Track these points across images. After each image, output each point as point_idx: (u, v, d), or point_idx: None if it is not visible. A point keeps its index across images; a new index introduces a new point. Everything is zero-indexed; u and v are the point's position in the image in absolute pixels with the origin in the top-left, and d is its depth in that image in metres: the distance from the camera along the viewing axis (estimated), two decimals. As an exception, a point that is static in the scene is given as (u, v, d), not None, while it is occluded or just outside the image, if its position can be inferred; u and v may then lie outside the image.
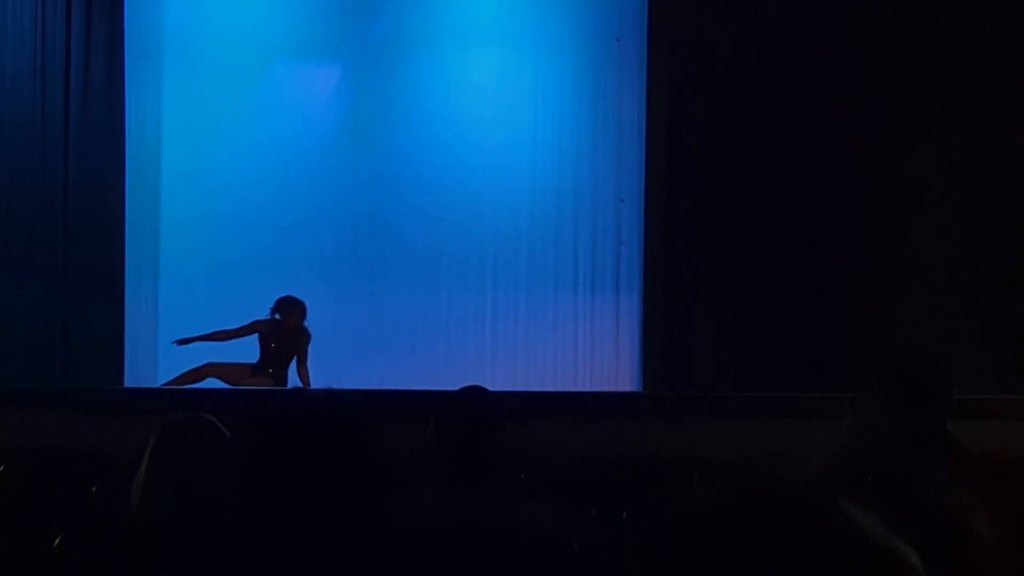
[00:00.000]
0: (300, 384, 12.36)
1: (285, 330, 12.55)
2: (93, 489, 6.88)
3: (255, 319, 12.66)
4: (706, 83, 13.54)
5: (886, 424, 5.13)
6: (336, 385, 3.11)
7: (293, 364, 12.59)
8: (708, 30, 13.54)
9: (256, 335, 12.65)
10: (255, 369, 12.55)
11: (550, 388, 13.35)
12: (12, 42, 13.46)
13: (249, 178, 13.89)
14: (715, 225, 13.53)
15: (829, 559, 1.60)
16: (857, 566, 1.60)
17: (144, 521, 4.27)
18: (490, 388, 5.24)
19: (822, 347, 13.20)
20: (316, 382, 12.11)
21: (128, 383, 13.31)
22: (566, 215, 14.24)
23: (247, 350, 12.64)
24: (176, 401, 11.06)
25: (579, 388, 13.70)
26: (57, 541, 4.93)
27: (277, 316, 12.59)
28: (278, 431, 2.82)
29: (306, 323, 12.67)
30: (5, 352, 12.95)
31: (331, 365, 13.23)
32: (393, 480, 3.03)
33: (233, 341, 12.61)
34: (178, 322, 13.66)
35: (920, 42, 13.47)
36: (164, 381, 12.85)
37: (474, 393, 5.13)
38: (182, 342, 12.56)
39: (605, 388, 13.72)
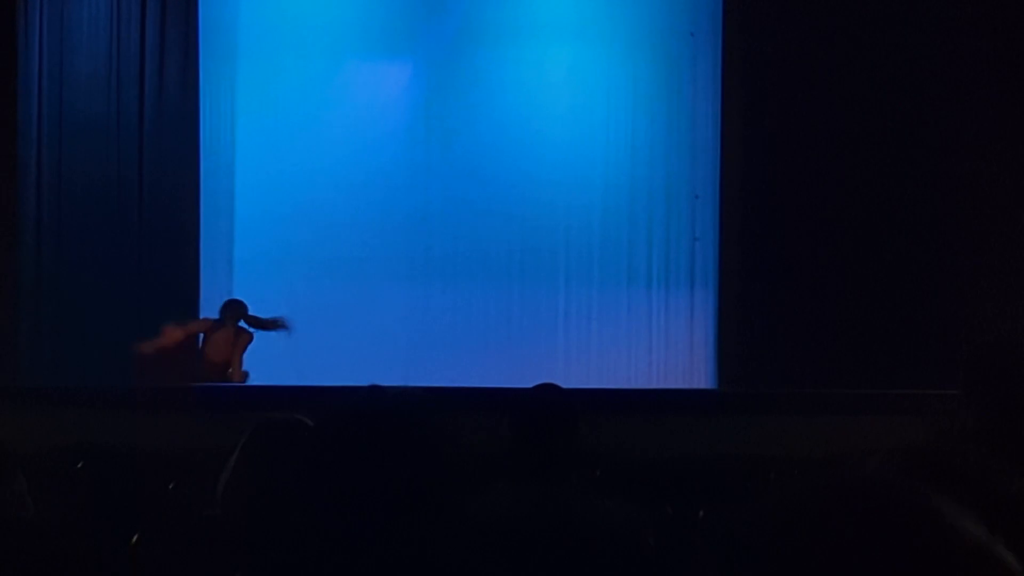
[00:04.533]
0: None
1: (221, 333, 12.57)
2: (170, 487, 6.91)
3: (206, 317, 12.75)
4: (781, 77, 13.46)
5: (971, 421, 5.05)
6: (408, 383, 3.10)
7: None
8: (783, 23, 13.45)
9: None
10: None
11: (624, 385, 13.30)
12: (88, 42, 13.56)
13: (322, 176, 13.92)
14: (790, 220, 13.44)
15: (925, 561, 1.56)
16: (956, 569, 1.56)
17: (227, 519, 4.27)
18: (563, 385, 5.22)
19: (899, 343, 13.09)
20: (391, 380, 12.09)
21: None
22: (640, 211, 14.18)
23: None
24: (253, 399, 11.11)
25: (653, 385, 13.65)
26: (134, 539, 4.94)
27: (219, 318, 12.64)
28: (354, 428, 2.82)
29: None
30: (81, 351, 13.03)
31: (403, 362, 13.26)
32: (468, 477, 3.02)
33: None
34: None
35: (992, 37, 13.33)
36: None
37: (548, 390, 5.11)
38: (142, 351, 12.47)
39: (679, 385, 13.65)
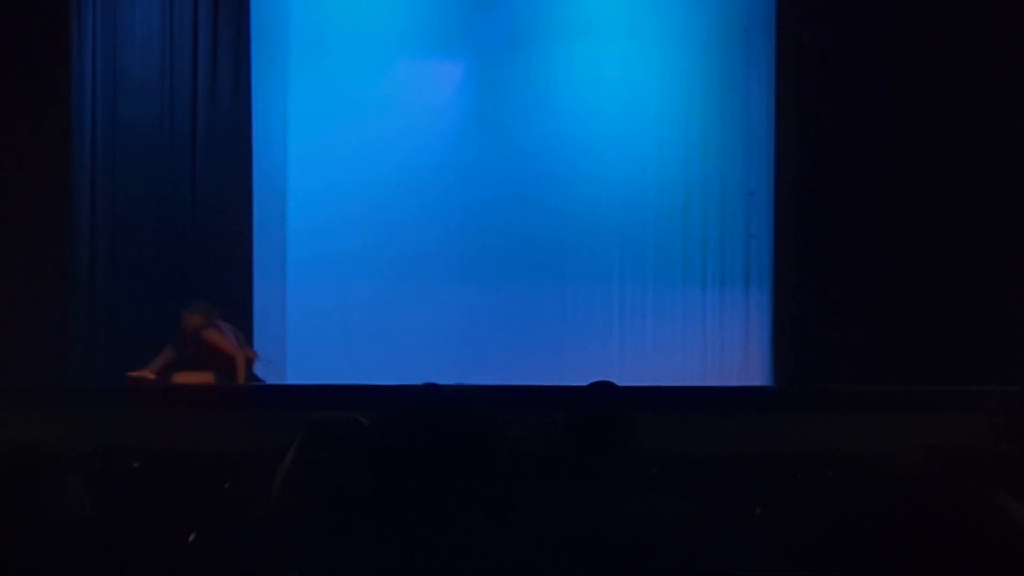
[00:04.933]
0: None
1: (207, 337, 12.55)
2: (225, 486, 6.92)
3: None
4: (836, 72, 13.40)
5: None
6: (463, 381, 3.09)
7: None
8: (838, 17, 13.39)
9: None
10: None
11: (679, 383, 13.25)
12: (140, 45, 13.62)
13: (375, 175, 13.93)
14: (846, 216, 13.38)
15: (989, 557, 1.53)
16: (1021, 565, 1.53)
17: (283, 517, 4.28)
18: (618, 383, 5.20)
19: (956, 341, 13.00)
20: (446, 378, 12.08)
21: (258, 380, 13.42)
22: (694, 208, 14.13)
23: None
24: (308, 398, 11.12)
25: (708, 383, 13.60)
26: (191, 539, 4.95)
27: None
28: (411, 427, 2.81)
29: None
30: (137, 353, 13.09)
31: (458, 361, 13.26)
32: (523, 476, 3.01)
33: None
34: (306, 320, 13.77)
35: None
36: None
37: (603, 388, 5.10)
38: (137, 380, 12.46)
39: (735, 383, 13.60)
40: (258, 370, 12.69)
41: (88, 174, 13.40)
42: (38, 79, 12.98)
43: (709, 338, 14.07)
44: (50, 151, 13.03)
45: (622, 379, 5.79)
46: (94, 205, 13.42)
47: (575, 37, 14.14)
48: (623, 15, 14.16)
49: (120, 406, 11.22)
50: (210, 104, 13.68)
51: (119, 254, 13.42)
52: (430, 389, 2.95)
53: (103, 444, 8.33)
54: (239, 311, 13.44)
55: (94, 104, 13.44)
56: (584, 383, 5.13)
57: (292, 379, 13.54)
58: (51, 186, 13.07)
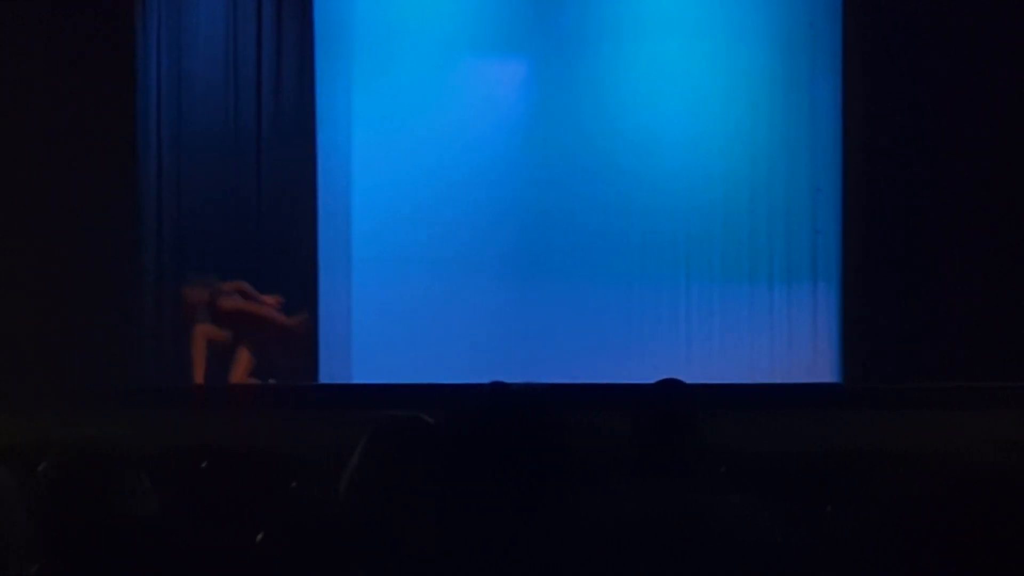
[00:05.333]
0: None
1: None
2: (292, 485, 6.93)
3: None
4: (904, 65, 13.29)
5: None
6: (529, 380, 3.07)
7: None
8: (907, 13, 13.28)
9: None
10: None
11: (747, 381, 13.19)
12: (204, 45, 13.68)
13: (439, 173, 13.94)
14: (915, 212, 13.28)
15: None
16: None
17: (349, 517, 4.27)
18: (686, 381, 5.18)
19: (1027, 335, 12.90)
20: (512, 377, 12.08)
21: (323, 379, 13.44)
22: (760, 205, 14.05)
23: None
24: (373, 397, 11.14)
25: (777, 380, 13.52)
26: (258, 538, 4.95)
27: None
28: (479, 426, 2.79)
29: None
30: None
31: (524, 359, 13.25)
32: (592, 475, 2.99)
33: None
34: (371, 318, 13.79)
35: None
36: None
37: (671, 386, 5.08)
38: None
39: (804, 380, 13.52)
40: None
41: (154, 175, 13.45)
42: (103, 82, 13.04)
43: (777, 335, 13.99)
44: (116, 154, 13.09)
45: (689, 377, 5.76)
46: (160, 206, 13.48)
47: (639, 34, 14.10)
48: (687, 12, 14.11)
49: (188, 406, 11.29)
50: (274, 104, 13.72)
51: (185, 255, 13.48)
52: (497, 388, 2.93)
53: (171, 444, 8.36)
54: (304, 309, 13.48)
55: (159, 105, 13.50)
56: (651, 381, 5.10)
57: (358, 378, 13.57)
58: (117, 189, 13.13)
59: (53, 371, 12.23)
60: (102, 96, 12.99)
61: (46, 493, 4.07)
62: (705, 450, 4.91)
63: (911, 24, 13.31)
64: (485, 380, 3.02)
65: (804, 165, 14.00)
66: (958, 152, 13.24)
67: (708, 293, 14.04)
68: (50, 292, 12.51)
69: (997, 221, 13.19)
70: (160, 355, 13.36)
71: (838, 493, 6.55)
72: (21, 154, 12.63)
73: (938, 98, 13.27)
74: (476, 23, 14.15)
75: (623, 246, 14.01)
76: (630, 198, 13.94)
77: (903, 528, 1.54)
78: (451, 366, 12.70)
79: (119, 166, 13.14)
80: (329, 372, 13.60)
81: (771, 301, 14.02)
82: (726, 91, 14.06)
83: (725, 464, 7.19)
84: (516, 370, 12.32)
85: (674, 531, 4.44)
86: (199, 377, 12.46)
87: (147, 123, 13.42)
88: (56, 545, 3.87)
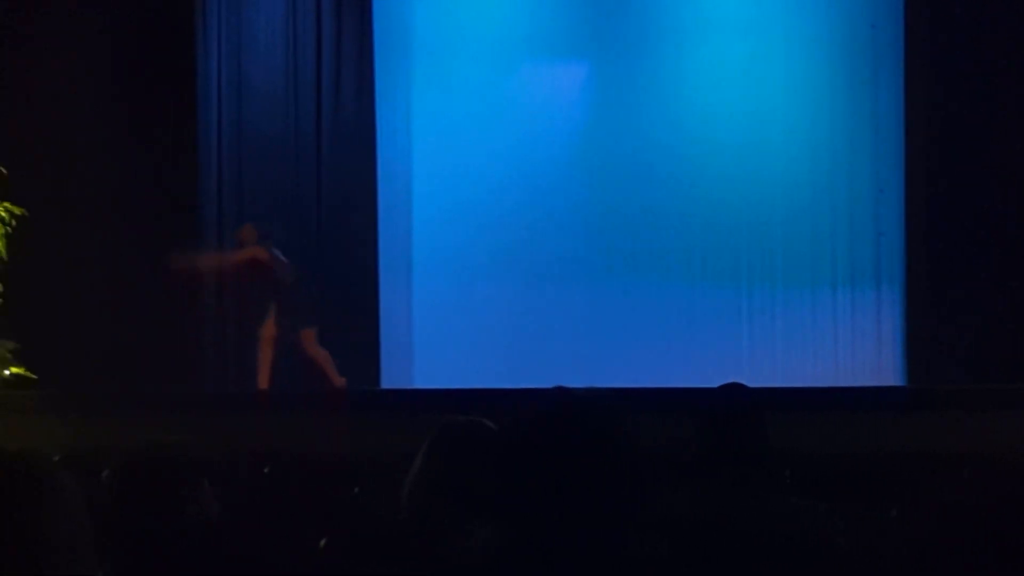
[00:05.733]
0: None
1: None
2: (355, 491, 6.93)
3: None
4: (966, 66, 13.21)
5: None
6: (592, 384, 3.06)
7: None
8: (968, 13, 13.19)
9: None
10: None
11: (810, 384, 13.13)
12: (264, 52, 13.74)
13: (499, 177, 13.95)
14: (978, 212, 13.20)
15: None
16: None
17: (412, 522, 4.27)
18: (748, 385, 5.15)
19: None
20: (574, 381, 12.04)
21: (385, 385, 13.46)
22: (822, 207, 13.99)
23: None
24: (435, 402, 11.14)
25: (841, 383, 13.45)
26: (321, 543, 4.95)
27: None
28: (542, 430, 2.79)
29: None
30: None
31: (586, 363, 13.22)
32: (655, 479, 2.98)
33: None
34: (432, 323, 13.81)
35: None
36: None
37: (734, 390, 5.05)
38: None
39: (868, 383, 13.44)
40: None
41: (214, 182, 13.53)
42: (164, 89, 13.14)
43: (840, 338, 13.92)
44: (177, 160, 13.19)
45: (752, 380, 5.72)
46: (220, 212, 13.55)
47: (700, 37, 14.07)
48: (748, 14, 14.06)
49: (251, 411, 11.33)
50: (334, 109, 13.77)
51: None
52: (559, 392, 2.92)
53: (234, 449, 8.39)
54: (365, 315, 13.51)
55: (219, 112, 13.58)
56: (714, 385, 5.07)
57: (419, 383, 13.59)
58: (179, 195, 13.22)
59: (118, 377, 12.31)
60: (163, 105, 13.07)
61: (110, 498, 4.09)
62: (769, 454, 4.88)
63: (973, 25, 13.22)
64: (547, 385, 3.01)
65: (867, 167, 13.92)
66: (1021, 152, 13.14)
67: (770, 296, 13.98)
68: (115, 299, 12.60)
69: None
70: (223, 361, 13.42)
71: (903, 496, 6.51)
72: (85, 164, 12.72)
73: (1000, 98, 13.18)
74: (536, 27, 14.15)
75: (685, 249, 13.98)
76: (691, 202, 13.91)
77: (968, 532, 1.52)
78: (513, 370, 12.69)
79: (181, 173, 13.24)
80: (391, 377, 13.63)
81: (834, 304, 13.95)
82: (788, 94, 14.00)
83: (789, 468, 7.16)
84: (578, 374, 12.29)
85: (738, 535, 4.42)
86: (263, 383, 12.50)
87: (208, 129, 13.50)
88: (120, 550, 3.89)
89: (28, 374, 11.31)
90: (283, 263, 12.40)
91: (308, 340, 12.60)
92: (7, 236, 11.41)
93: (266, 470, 7.77)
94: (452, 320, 13.84)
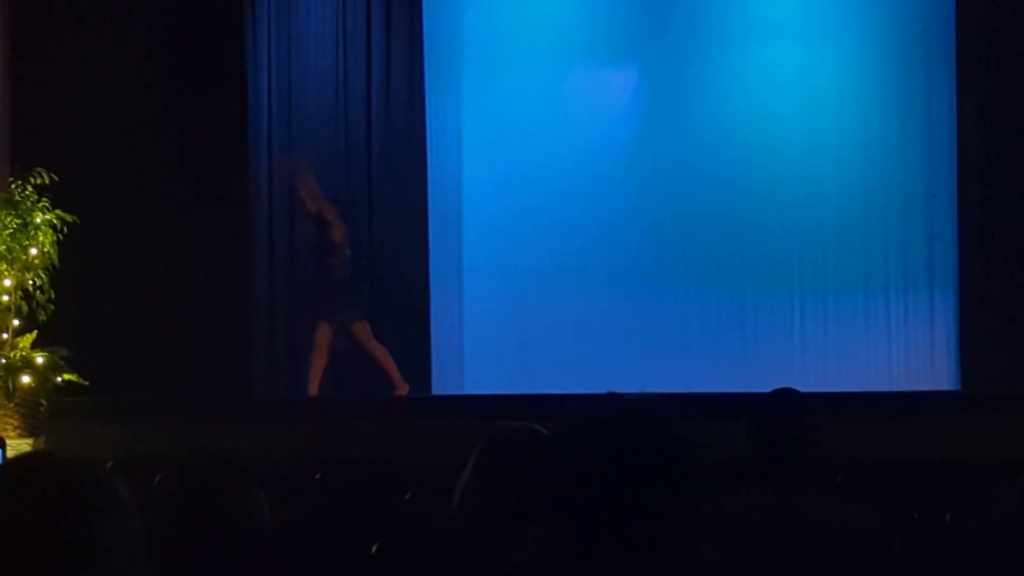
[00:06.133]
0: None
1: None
2: (406, 497, 6.95)
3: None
4: (1019, 70, 13.12)
5: None
6: (643, 389, 3.05)
7: None
8: (1020, 15, 13.11)
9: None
10: None
11: (863, 388, 13.06)
12: (314, 60, 13.79)
13: (549, 183, 13.93)
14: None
15: None
16: None
17: (464, 528, 4.27)
18: (801, 389, 5.14)
19: None
20: (625, 386, 12.02)
21: (435, 390, 13.48)
22: (874, 212, 13.91)
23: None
24: (486, 408, 11.15)
25: (894, 388, 13.38)
26: (373, 549, 4.96)
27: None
28: (594, 436, 2.78)
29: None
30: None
31: (637, 369, 13.19)
32: (708, 485, 2.97)
33: None
34: (483, 329, 13.81)
35: None
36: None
37: (786, 395, 5.04)
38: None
39: (921, 387, 13.37)
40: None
41: (265, 190, 13.58)
42: (214, 98, 13.20)
43: (894, 343, 13.84)
44: (227, 169, 13.24)
45: (804, 385, 5.71)
46: (272, 223, 13.60)
47: (750, 40, 14.02)
48: (798, 17, 14.00)
49: (302, 417, 11.36)
50: (384, 116, 13.80)
51: (297, 264, 13.58)
52: (611, 398, 2.91)
53: (285, 455, 8.42)
54: (416, 321, 13.52)
55: (270, 120, 13.63)
56: (766, 390, 5.06)
57: (470, 389, 13.59)
58: (230, 201, 13.27)
59: (169, 383, 12.37)
60: (213, 117, 13.14)
61: (162, 505, 4.10)
62: (821, 459, 4.87)
63: (1025, 27, 13.15)
64: (598, 390, 3.00)
65: (919, 170, 13.84)
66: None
67: (822, 301, 13.91)
68: (166, 305, 12.66)
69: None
70: (273, 367, 13.46)
71: (957, 502, 6.48)
72: (135, 172, 12.79)
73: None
74: (586, 31, 14.13)
75: (736, 254, 13.93)
76: (742, 206, 13.85)
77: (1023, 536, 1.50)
78: (563, 376, 12.67)
79: (231, 181, 13.29)
80: (442, 383, 13.63)
81: (887, 309, 13.87)
82: (839, 97, 13.93)
83: (842, 473, 7.13)
84: (629, 380, 12.24)
85: (791, 540, 4.40)
86: (314, 388, 12.55)
87: (258, 138, 13.57)
88: (172, 557, 3.90)
89: (80, 381, 11.36)
90: (344, 231, 12.61)
91: (363, 334, 12.68)
92: (58, 243, 11.47)
93: (318, 476, 7.80)
94: (502, 325, 13.83)
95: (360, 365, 12.88)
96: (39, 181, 11.44)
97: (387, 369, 12.65)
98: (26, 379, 11.05)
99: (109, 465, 6.22)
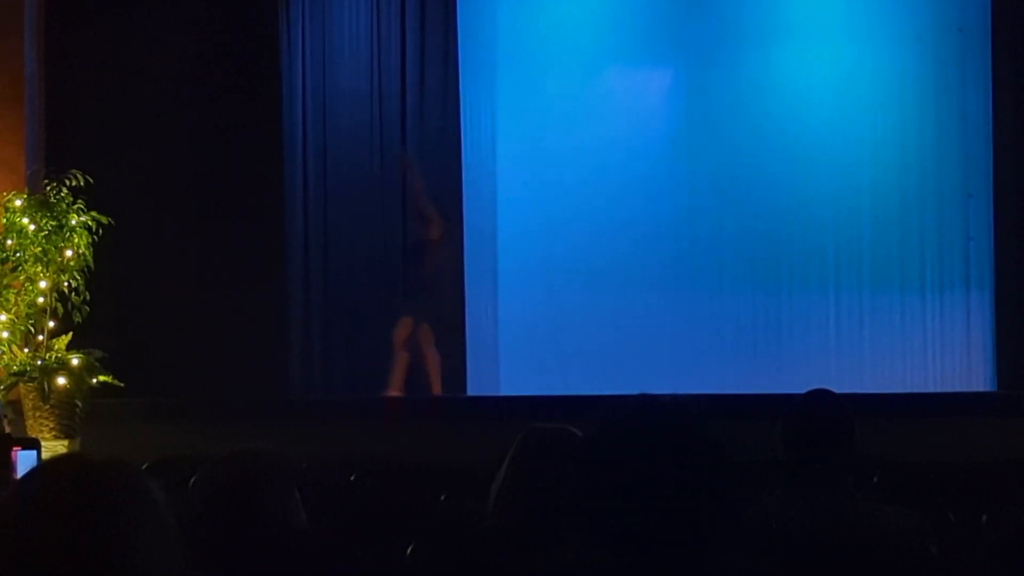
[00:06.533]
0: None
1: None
2: (441, 498, 6.94)
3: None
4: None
5: None
6: (677, 391, 3.04)
7: None
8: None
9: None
10: None
11: (899, 390, 13.02)
12: (349, 59, 13.80)
13: (584, 184, 13.92)
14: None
15: None
16: None
17: (499, 529, 4.27)
18: (836, 391, 5.12)
19: None
20: (659, 388, 12.01)
21: (471, 392, 13.47)
22: (910, 212, 13.86)
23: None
24: (520, 409, 11.15)
25: (930, 389, 13.33)
26: (408, 550, 4.96)
27: None
28: (628, 437, 2.78)
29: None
30: (353, 365, 13.27)
31: (671, 370, 13.18)
32: (742, 486, 2.96)
33: None
34: (518, 330, 13.80)
35: None
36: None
37: (821, 396, 5.03)
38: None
39: (957, 388, 13.31)
40: None
41: (300, 189, 13.60)
42: (249, 97, 13.22)
43: (929, 344, 13.79)
44: (263, 167, 13.26)
45: (839, 387, 5.69)
46: (306, 220, 13.62)
47: (785, 40, 13.98)
48: (834, 16, 13.96)
49: (337, 419, 11.37)
50: (419, 116, 13.80)
51: (332, 268, 13.60)
52: (645, 399, 2.91)
53: (320, 456, 8.42)
54: (451, 322, 13.52)
55: (304, 119, 13.65)
56: (801, 391, 5.04)
57: (505, 390, 13.58)
58: (264, 202, 13.30)
59: (204, 385, 12.40)
60: (248, 113, 13.16)
61: (197, 506, 4.11)
62: (856, 460, 4.85)
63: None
64: (633, 392, 2.99)
65: (955, 171, 13.78)
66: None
67: (857, 302, 13.87)
68: (201, 307, 12.68)
69: None
70: (309, 368, 13.48)
71: (993, 503, 6.45)
72: (170, 173, 12.82)
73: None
74: (620, 33, 14.11)
75: (771, 255, 13.89)
76: (777, 207, 13.82)
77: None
78: (598, 377, 12.67)
79: (266, 182, 13.31)
80: (477, 384, 13.63)
81: (923, 309, 13.82)
82: (874, 96, 13.89)
83: (877, 474, 7.11)
84: (664, 381, 12.26)
85: (828, 542, 4.39)
86: (396, 389, 12.61)
87: (293, 139, 13.58)
88: (208, 558, 3.91)
89: (116, 382, 11.39)
90: (444, 229, 12.95)
91: (426, 337, 12.73)
92: (93, 245, 11.51)
93: (353, 477, 7.80)
94: (537, 327, 13.82)
95: (414, 366, 12.93)
96: (74, 183, 11.49)
97: (431, 376, 12.68)
98: (61, 381, 11.09)
99: (144, 467, 6.24)
